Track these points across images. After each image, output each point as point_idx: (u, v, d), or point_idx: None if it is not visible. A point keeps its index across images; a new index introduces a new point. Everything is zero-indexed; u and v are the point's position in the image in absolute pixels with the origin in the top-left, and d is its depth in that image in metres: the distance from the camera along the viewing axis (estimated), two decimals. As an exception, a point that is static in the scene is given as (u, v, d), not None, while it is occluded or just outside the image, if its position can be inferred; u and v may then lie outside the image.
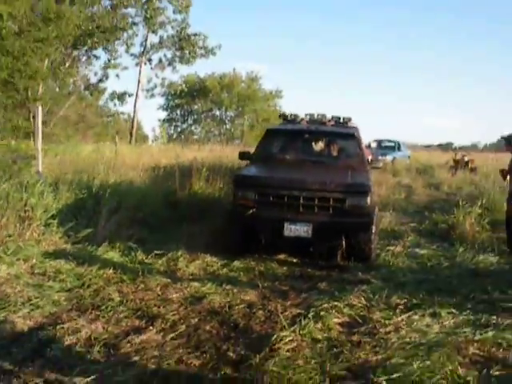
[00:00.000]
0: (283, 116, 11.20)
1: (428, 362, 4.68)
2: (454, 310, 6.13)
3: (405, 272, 7.98)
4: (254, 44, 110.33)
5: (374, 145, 29.62)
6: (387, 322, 5.77)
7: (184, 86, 41.19)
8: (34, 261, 7.18)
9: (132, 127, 29.50)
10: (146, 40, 30.27)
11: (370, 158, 10.80)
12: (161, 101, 47.20)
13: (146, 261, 7.87)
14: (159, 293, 6.57)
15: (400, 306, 6.27)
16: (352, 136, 10.22)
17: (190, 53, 32.04)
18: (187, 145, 26.56)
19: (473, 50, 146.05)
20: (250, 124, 49.25)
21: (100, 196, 9.82)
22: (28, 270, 6.93)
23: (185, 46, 31.52)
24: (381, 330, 5.55)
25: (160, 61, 32.36)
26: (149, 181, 12.46)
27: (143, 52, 30.56)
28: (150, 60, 31.62)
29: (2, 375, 4.34)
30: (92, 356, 4.78)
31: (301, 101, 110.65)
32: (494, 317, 5.99)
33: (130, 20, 30.20)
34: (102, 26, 25.90)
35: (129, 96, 29.74)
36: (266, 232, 8.54)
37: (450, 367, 4.59)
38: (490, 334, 5.48)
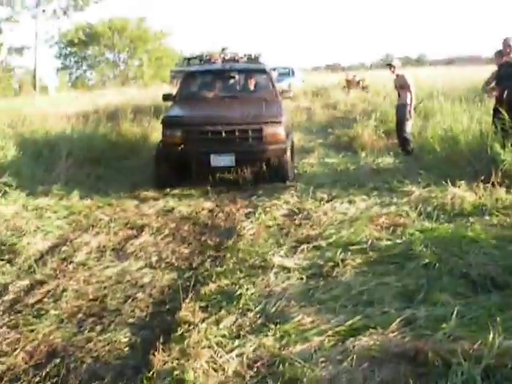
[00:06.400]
0: (199, 57, 12.60)
1: (352, 230, 6.53)
2: (364, 197, 8.04)
3: (321, 176, 9.87)
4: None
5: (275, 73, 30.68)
6: (317, 209, 7.57)
7: (81, 33, 41.36)
8: (21, 201, 8.31)
9: (35, 80, 29.97)
10: (39, -10, 30.54)
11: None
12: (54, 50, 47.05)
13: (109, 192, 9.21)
14: (136, 211, 8.12)
15: (324, 199, 8.08)
16: (264, 71, 11.56)
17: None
18: (92, 90, 27.36)
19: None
20: (145, 64, 49.96)
21: (53, 144, 11.10)
22: (22, 208, 8.04)
23: (76, -9, 32.05)
24: (313, 214, 7.32)
25: (54, 11, 32.57)
26: (84, 127, 13.59)
27: (37, 4, 30.75)
28: (44, 11, 31.79)
29: (38, 285, 5.51)
30: (106, 258, 6.23)
31: (191, 37, 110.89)
32: (395, 198, 7.95)
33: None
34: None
35: (27, 49, 30.11)
36: (195, 164, 9.72)
37: (368, 231, 6.48)
38: (393, 208, 7.41)
